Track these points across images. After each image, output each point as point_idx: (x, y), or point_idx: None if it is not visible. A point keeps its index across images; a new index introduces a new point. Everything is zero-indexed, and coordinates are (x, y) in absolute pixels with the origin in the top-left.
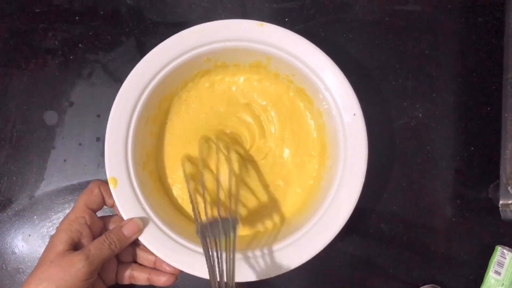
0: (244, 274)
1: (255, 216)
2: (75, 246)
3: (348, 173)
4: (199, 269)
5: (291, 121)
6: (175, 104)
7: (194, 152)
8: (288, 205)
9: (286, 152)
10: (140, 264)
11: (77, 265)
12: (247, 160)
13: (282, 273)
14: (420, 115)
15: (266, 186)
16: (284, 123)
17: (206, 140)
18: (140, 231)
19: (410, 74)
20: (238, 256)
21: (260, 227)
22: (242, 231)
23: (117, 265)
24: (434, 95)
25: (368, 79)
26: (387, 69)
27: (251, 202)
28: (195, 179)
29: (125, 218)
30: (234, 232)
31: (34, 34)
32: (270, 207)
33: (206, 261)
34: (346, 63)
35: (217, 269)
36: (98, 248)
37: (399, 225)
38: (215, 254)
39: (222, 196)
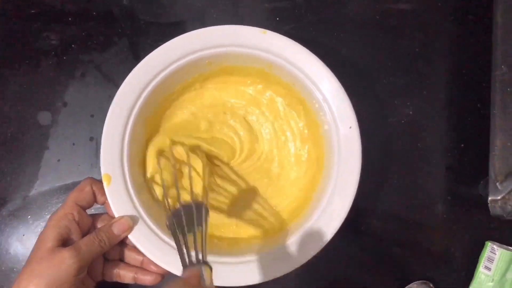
0: (237, 279)
1: (249, 222)
2: (64, 242)
3: (340, 186)
4: None
5: (285, 128)
6: (173, 105)
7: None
8: (282, 214)
9: (278, 160)
10: (127, 263)
11: (68, 261)
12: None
13: (272, 278)
14: (411, 112)
15: (256, 195)
16: (278, 130)
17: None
18: (129, 229)
19: (401, 72)
20: (230, 260)
21: (254, 233)
22: (238, 234)
23: (103, 262)
24: (425, 92)
25: (359, 78)
26: (378, 67)
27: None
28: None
29: (116, 215)
30: (205, 216)
31: (28, 35)
32: (264, 214)
33: (177, 248)
34: (337, 62)
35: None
36: (89, 245)
37: (391, 222)
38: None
39: (195, 186)
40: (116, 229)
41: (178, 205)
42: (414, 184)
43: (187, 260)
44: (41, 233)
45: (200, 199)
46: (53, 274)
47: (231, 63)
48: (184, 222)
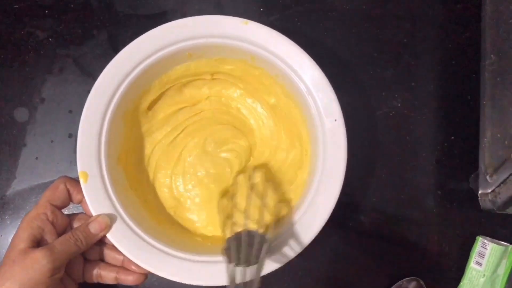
0: (221, 278)
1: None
2: (38, 243)
3: (325, 181)
4: (166, 270)
5: (279, 123)
6: (153, 98)
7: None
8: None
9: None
10: (108, 263)
11: (41, 261)
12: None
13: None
14: (399, 105)
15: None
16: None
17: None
18: (107, 228)
19: (388, 63)
20: (213, 259)
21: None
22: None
23: (83, 263)
24: (413, 84)
25: (346, 69)
26: (364, 58)
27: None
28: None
29: (94, 214)
30: (266, 250)
31: (3, 29)
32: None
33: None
34: (323, 53)
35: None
36: (64, 244)
37: (380, 218)
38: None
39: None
40: (93, 228)
41: (240, 231)
42: (403, 178)
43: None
44: (14, 235)
45: (263, 229)
46: (26, 275)
47: (212, 55)
48: (243, 250)
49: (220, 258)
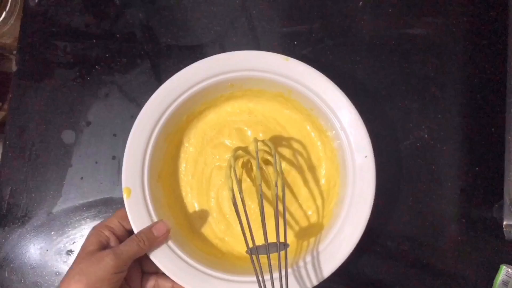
0: None
1: None
2: (104, 248)
3: (352, 214)
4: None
5: (304, 152)
6: (194, 124)
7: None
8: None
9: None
10: (164, 274)
11: (106, 259)
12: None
13: None
14: (426, 135)
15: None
16: (297, 154)
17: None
18: (168, 232)
19: (416, 95)
20: (235, 279)
21: None
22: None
23: (141, 273)
24: (439, 116)
25: (375, 101)
26: (393, 90)
27: None
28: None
29: (134, 229)
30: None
31: (53, 56)
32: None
33: (257, 281)
34: (353, 85)
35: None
36: (127, 245)
37: (406, 244)
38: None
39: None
40: (156, 231)
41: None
42: (428, 206)
43: None
44: (84, 240)
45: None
46: (93, 271)
47: (252, 86)
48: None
49: (241, 278)
